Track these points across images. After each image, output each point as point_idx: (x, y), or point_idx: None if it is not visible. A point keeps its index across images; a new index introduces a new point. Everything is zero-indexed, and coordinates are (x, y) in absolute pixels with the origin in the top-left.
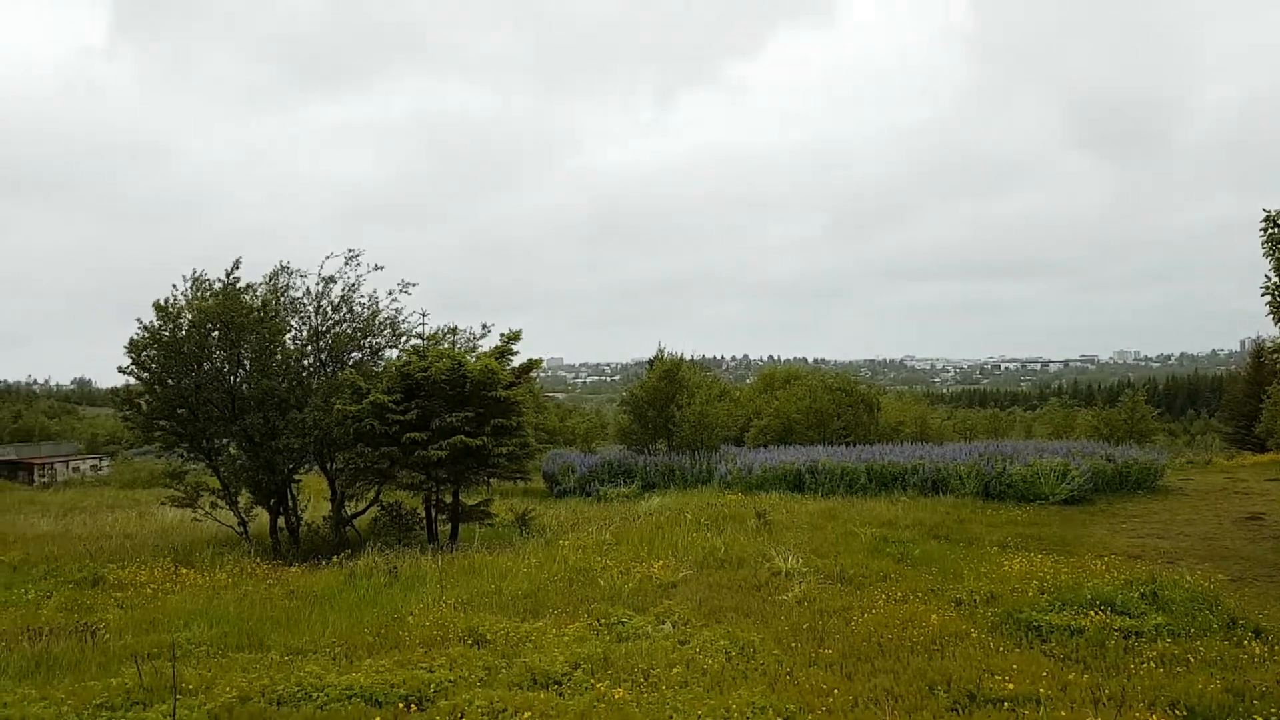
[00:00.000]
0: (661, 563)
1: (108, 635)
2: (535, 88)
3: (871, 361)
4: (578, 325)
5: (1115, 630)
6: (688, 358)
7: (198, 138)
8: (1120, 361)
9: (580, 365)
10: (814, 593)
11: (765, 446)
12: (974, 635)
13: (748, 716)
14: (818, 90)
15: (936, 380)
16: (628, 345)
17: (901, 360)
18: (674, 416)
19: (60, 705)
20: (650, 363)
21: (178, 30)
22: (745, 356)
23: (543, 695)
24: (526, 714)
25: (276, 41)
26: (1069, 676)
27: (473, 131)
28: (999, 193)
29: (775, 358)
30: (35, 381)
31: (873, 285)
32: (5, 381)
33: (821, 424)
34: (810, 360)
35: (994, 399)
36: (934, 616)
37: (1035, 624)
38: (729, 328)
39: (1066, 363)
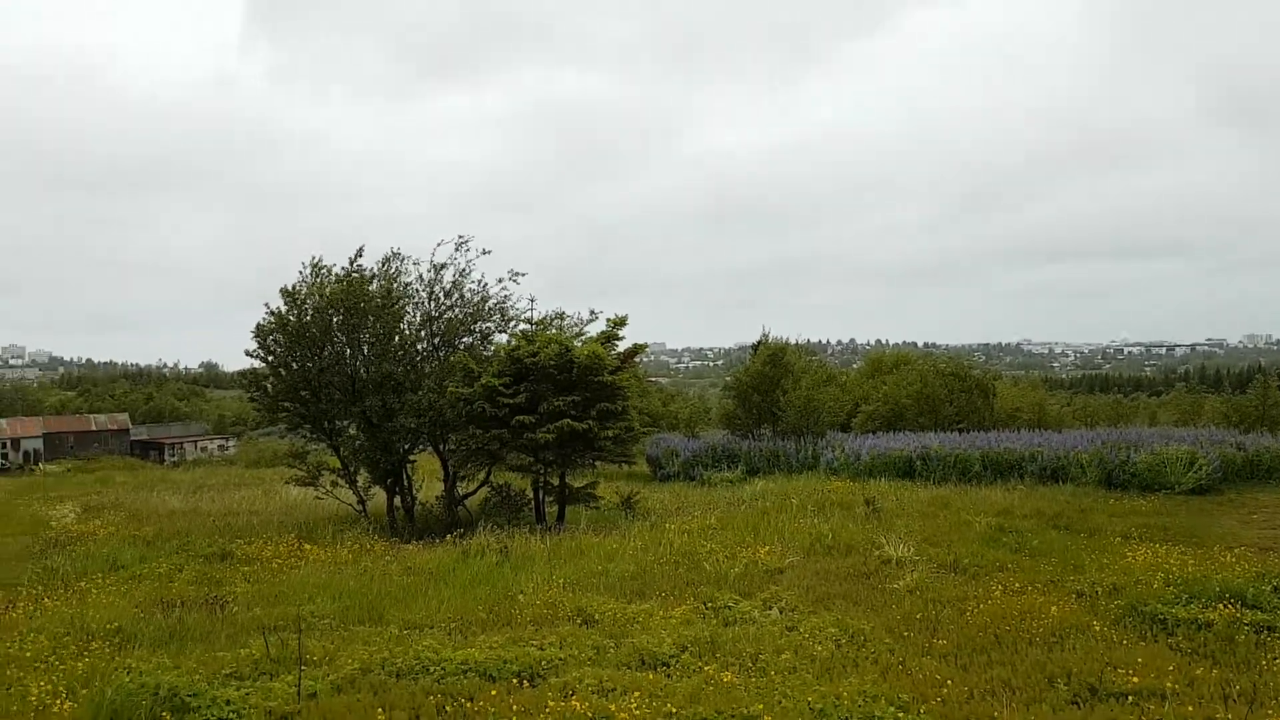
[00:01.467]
0: (767, 548)
1: (236, 608)
2: (656, 73)
3: (986, 346)
4: (682, 309)
5: (1246, 624)
6: (793, 342)
7: (332, 129)
8: (1250, 345)
9: (683, 350)
10: (926, 582)
11: (873, 433)
12: (1096, 628)
13: (859, 705)
14: (937, 68)
15: (1055, 365)
16: (732, 329)
17: (1018, 344)
18: (779, 401)
19: (193, 674)
20: (754, 347)
21: (314, 25)
22: (851, 341)
23: (651, 676)
24: (636, 694)
25: (411, 33)
26: (1196, 671)
27: (592, 118)
28: (1126, 171)
29: (883, 342)
30: (165, 365)
31: (988, 267)
32: (138, 365)
33: (933, 410)
34: (920, 344)
35: (1116, 384)
36: (1054, 608)
37: (1161, 617)
38: (835, 311)
39: (1193, 347)
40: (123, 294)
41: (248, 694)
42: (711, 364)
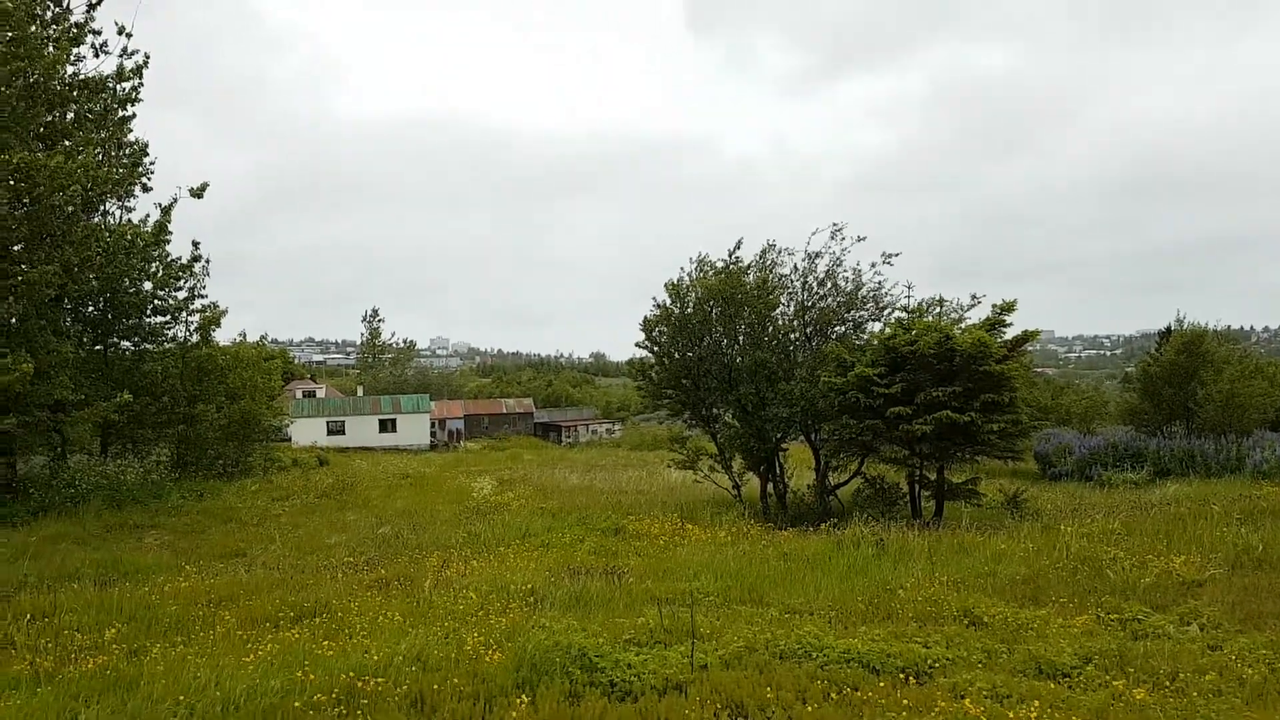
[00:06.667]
0: (1183, 558)
1: (630, 579)
2: (1070, 41)
3: None
4: (1073, 294)
5: None
6: (1211, 328)
7: (743, 126)
8: None
9: (1074, 338)
10: None
11: None
12: None
13: None
14: None
15: None
16: (1132, 316)
17: None
18: (1195, 395)
19: (597, 637)
20: (1163, 334)
21: (738, 26)
22: None
23: (1051, 686)
24: (1035, 703)
25: (818, 26)
26: None
27: (997, 94)
28: None
29: None
30: (561, 355)
31: None
32: (539, 355)
33: None
34: None
35: None
36: None
37: None
38: (1263, 294)
39: None
40: (531, 291)
41: (645, 660)
42: (1108, 353)
